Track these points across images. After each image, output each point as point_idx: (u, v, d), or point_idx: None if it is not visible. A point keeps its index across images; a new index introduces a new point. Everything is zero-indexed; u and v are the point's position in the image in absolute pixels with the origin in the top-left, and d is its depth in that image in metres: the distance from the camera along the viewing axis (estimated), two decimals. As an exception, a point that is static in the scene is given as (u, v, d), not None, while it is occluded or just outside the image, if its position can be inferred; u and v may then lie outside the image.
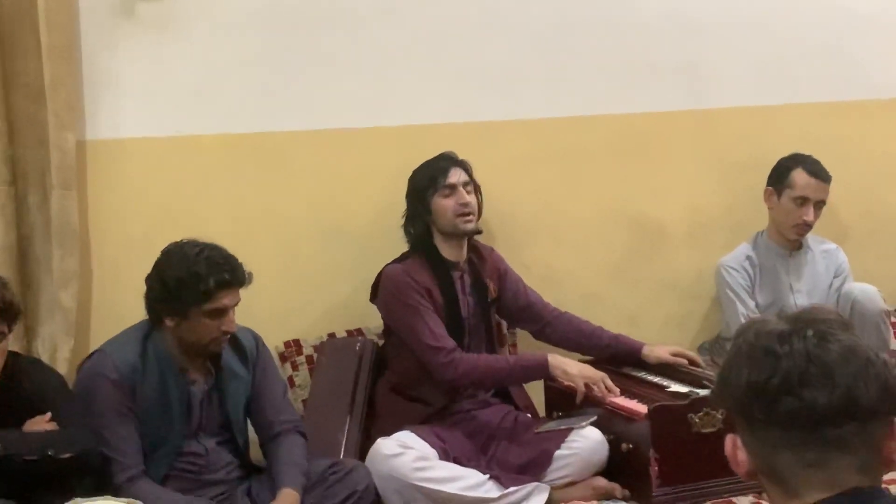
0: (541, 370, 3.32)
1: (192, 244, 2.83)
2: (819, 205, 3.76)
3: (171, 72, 3.49)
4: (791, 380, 1.25)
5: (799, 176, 3.74)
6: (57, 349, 3.28)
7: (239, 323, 3.03)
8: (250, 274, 2.86)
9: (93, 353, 2.93)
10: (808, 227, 3.78)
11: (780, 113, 4.06)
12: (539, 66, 3.82)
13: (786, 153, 3.91)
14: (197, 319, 2.80)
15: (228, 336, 2.88)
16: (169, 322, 2.83)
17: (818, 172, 3.74)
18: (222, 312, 2.81)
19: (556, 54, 3.84)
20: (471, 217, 3.38)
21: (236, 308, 2.88)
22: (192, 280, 2.76)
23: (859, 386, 1.25)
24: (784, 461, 1.26)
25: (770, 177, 3.82)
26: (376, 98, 3.67)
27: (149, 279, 2.85)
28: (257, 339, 3.08)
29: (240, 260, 2.86)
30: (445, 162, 3.41)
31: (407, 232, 3.45)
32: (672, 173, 3.99)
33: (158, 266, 2.84)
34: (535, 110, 3.82)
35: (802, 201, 3.74)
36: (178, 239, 3.22)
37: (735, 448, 1.34)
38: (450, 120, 3.72)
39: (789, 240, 3.83)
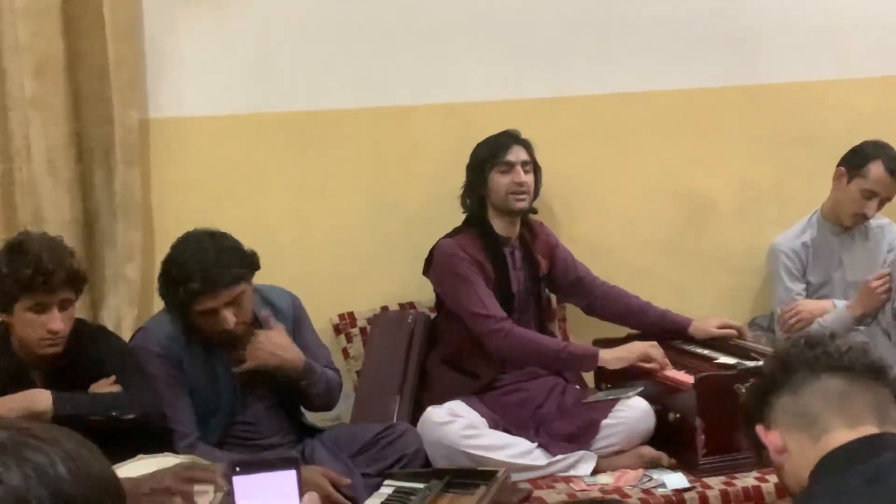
0: (590, 361, 3.35)
1: (187, 244, 2.82)
2: (885, 202, 3.72)
3: (230, 50, 3.56)
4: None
5: (876, 169, 3.66)
6: (122, 319, 3.38)
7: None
8: (246, 261, 2.82)
9: (136, 332, 3.00)
10: (865, 219, 3.75)
11: (833, 88, 4.01)
12: (588, 42, 3.84)
13: (838, 129, 3.88)
14: (196, 319, 2.84)
15: (244, 325, 2.86)
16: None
17: None
18: (213, 312, 2.80)
19: (605, 30, 3.86)
20: (524, 196, 3.41)
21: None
22: (175, 286, 2.80)
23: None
24: (816, 404, 1.52)
25: (846, 157, 3.74)
26: (428, 75, 3.72)
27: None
28: (293, 299, 3.10)
29: (247, 248, 2.84)
30: (508, 139, 3.44)
31: (463, 202, 3.50)
32: (722, 148, 3.98)
33: (161, 264, 2.89)
34: (585, 87, 3.84)
35: (870, 194, 3.68)
36: (232, 213, 3.38)
37: (765, 435, 1.60)
38: (500, 97, 3.76)
39: (843, 223, 3.81)
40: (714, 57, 3.94)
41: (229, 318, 2.79)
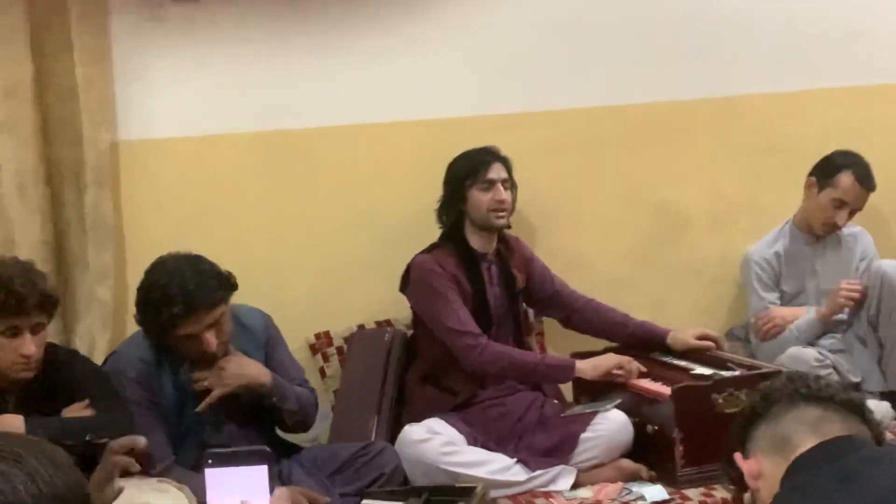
0: (567, 372, 3.35)
1: (164, 268, 2.80)
2: (855, 211, 3.75)
3: (201, 72, 3.55)
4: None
5: (845, 179, 3.69)
6: (95, 342, 3.37)
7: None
8: (225, 282, 2.81)
9: (110, 355, 2.99)
10: (836, 228, 3.77)
11: (802, 99, 4.04)
12: (561, 56, 3.86)
13: (808, 139, 3.91)
14: (175, 341, 2.82)
15: (224, 345, 2.86)
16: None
17: (866, 180, 3.70)
18: (195, 336, 2.79)
19: (577, 45, 3.88)
20: (504, 213, 3.43)
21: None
22: (155, 312, 2.78)
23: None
24: (792, 427, 1.57)
25: (817, 167, 3.77)
26: (402, 92, 3.72)
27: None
28: (267, 319, 3.09)
29: (223, 269, 2.83)
30: (489, 156, 3.45)
31: (440, 217, 3.49)
32: (694, 160, 4.01)
33: (137, 289, 2.86)
34: (558, 101, 3.86)
35: (840, 204, 3.71)
36: (206, 233, 3.37)
37: (742, 462, 1.63)
38: (475, 112, 3.77)
39: (814, 232, 3.83)
40: (685, 70, 3.97)
41: (211, 340, 2.79)
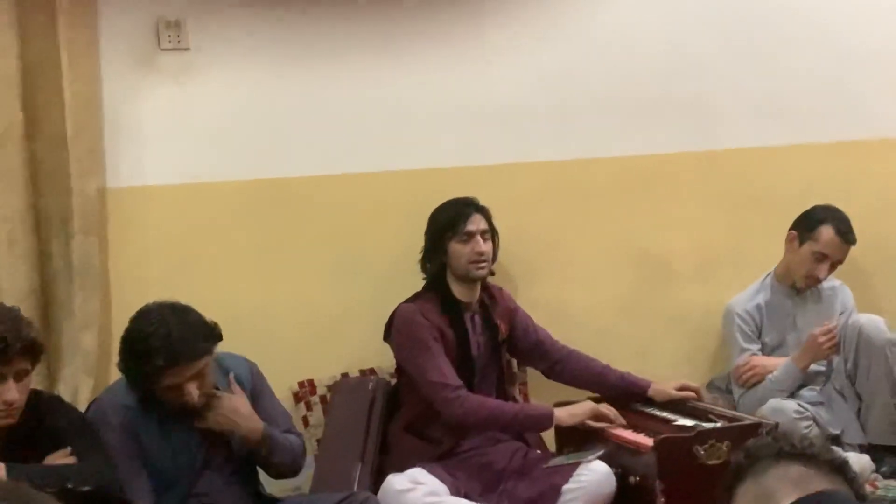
0: (546, 421, 3.35)
1: (148, 318, 2.76)
2: (836, 265, 3.76)
3: (190, 120, 3.57)
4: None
5: (826, 232, 3.72)
6: (78, 389, 3.34)
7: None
8: (210, 334, 2.78)
9: (92, 403, 2.96)
10: (817, 281, 3.78)
11: (784, 153, 4.09)
12: (545, 108, 3.89)
13: (790, 193, 3.94)
14: (159, 392, 2.80)
15: (202, 397, 2.82)
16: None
17: (846, 234, 3.72)
18: (177, 387, 2.76)
19: (562, 96, 3.91)
20: (484, 264, 3.43)
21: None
22: (138, 362, 2.76)
23: None
24: (775, 484, 1.57)
25: (798, 221, 3.79)
26: (388, 142, 3.74)
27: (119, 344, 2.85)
28: (252, 367, 3.06)
29: (209, 320, 2.80)
30: (468, 208, 3.45)
31: (423, 267, 3.50)
32: (678, 211, 4.04)
33: (121, 338, 2.83)
34: (543, 153, 3.88)
35: (821, 257, 3.72)
36: (192, 280, 3.36)
37: None
38: (460, 163, 3.80)
39: (795, 285, 3.85)
40: (670, 123, 4.01)
41: (193, 392, 2.77)
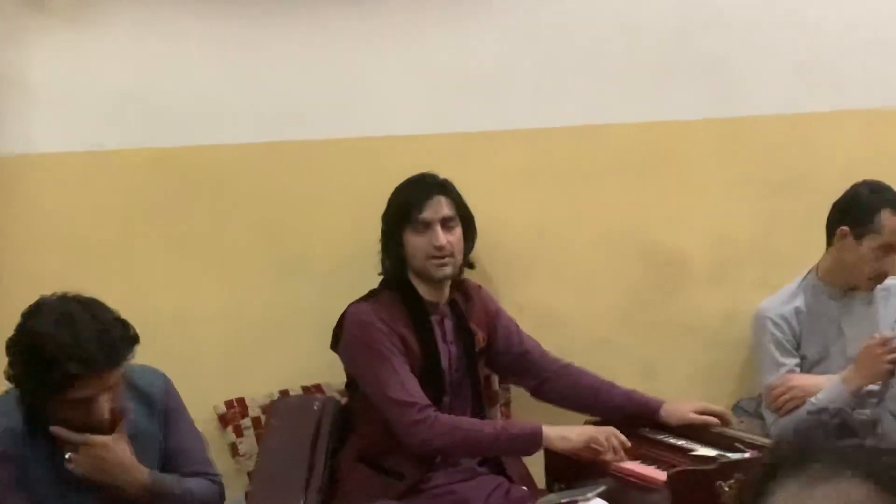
0: (533, 441, 3.08)
1: (51, 315, 2.53)
2: None
3: (92, 74, 3.43)
4: None
5: (889, 219, 3.44)
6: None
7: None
8: (127, 341, 2.57)
9: None
10: (885, 277, 3.52)
11: (823, 121, 3.83)
12: (533, 68, 3.67)
13: (830, 169, 3.68)
14: (56, 409, 2.56)
15: (114, 412, 2.63)
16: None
17: None
18: (87, 400, 2.54)
19: (552, 54, 3.69)
20: (445, 260, 3.16)
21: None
22: (42, 370, 2.50)
23: None
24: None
25: (844, 212, 3.50)
26: (341, 105, 3.55)
27: (7, 347, 2.61)
28: (166, 383, 2.82)
29: (121, 317, 2.58)
30: (423, 191, 3.19)
31: (382, 260, 3.26)
32: (694, 194, 3.80)
33: (11, 339, 2.58)
34: (529, 119, 3.67)
35: (889, 249, 3.46)
36: (94, 272, 3.24)
37: None
38: (427, 131, 3.60)
39: (853, 287, 3.54)
40: (684, 85, 3.77)
41: (106, 406, 2.55)
